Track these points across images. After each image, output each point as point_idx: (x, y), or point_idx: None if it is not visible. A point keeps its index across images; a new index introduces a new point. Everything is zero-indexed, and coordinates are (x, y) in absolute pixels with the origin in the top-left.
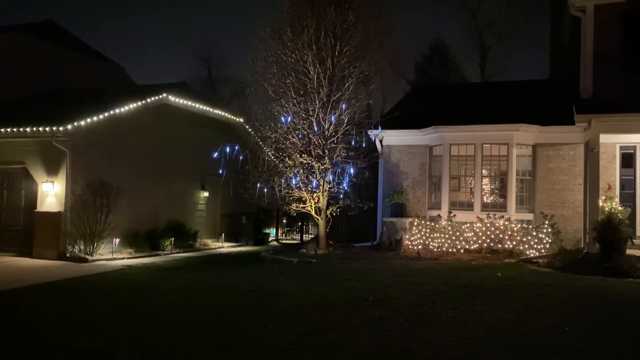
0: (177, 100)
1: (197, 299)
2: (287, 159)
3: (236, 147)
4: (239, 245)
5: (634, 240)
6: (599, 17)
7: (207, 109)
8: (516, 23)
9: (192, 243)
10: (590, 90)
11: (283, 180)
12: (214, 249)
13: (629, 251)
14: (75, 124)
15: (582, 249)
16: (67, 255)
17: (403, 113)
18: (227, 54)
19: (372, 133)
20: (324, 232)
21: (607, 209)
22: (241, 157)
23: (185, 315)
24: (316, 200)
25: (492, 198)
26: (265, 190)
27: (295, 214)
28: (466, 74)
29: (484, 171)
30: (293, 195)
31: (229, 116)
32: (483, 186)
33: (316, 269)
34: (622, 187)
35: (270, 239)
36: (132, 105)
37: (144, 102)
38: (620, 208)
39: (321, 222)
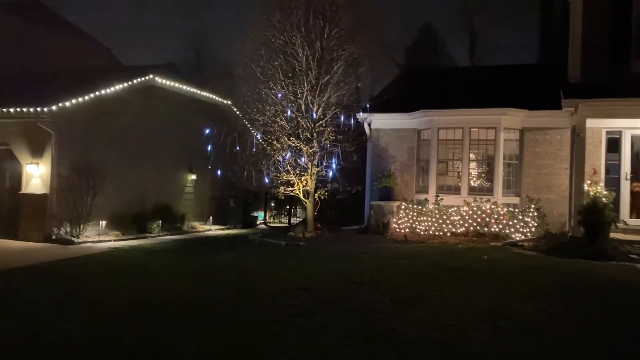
0: (164, 81)
1: (184, 282)
2: (275, 141)
3: (224, 130)
4: (227, 228)
5: (617, 224)
6: (587, 1)
7: (195, 90)
8: (506, 7)
9: (179, 226)
10: (578, 75)
11: (271, 163)
12: (202, 231)
13: (612, 235)
14: (61, 104)
15: (567, 232)
16: (53, 237)
17: (392, 97)
18: (216, 36)
19: (360, 116)
20: (312, 215)
21: (592, 193)
22: (229, 140)
23: (173, 297)
24: (304, 184)
25: (479, 182)
26: (254, 173)
27: (283, 197)
28: (456, 58)
29: (471, 155)
30: (281, 179)
31: (217, 98)
32: (470, 170)
33: (304, 251)
34: (608, 171)
35: (258, 222)
36: (119, 87)
37: (130, 83)
38: (605, 192)
39: (309, 205)
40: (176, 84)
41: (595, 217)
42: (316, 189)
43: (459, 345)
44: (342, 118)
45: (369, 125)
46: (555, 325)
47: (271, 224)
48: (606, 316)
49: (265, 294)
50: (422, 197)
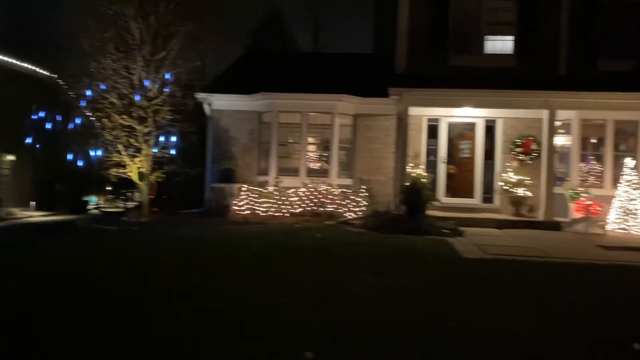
0: None
1: None
2: (105, 119)
3: (50, 107)
4: (52, 214)
5: (434, 203)
6: None
7: (12, 61)
8: None
9: None
10: (404, 65)
11: (100, 143)
12: (22, 218)
13: (430, 212)
14: None
15: (392, 210)
16: None
17: (233, 78)
18: (44, 2)
19: (200, 96)
20: (148, 198)
21: (413, 175)
22: (55, 118)
23: None
24: (138, 165)
25: (317, 165)
26: (81, 153)
27: (116, 180)
28: (300, 44)
29: (310, 139)
30: (112, 160)
31: (41, 71)
32: (309, 153)
33: (137, 237)
34: (428, 155)
35: (90, 206)
36: None
37: None
38: (424, 174)
39: (144, 188)
40: None
41: (414, 196)
42: (152, 171)
43: (286, 320)
44: (181, 97)
45: (210, 105)
46: (373, 295)
47: (105, 209)
48: (418, 285)
49: (89, 285)
50: (263, 179)
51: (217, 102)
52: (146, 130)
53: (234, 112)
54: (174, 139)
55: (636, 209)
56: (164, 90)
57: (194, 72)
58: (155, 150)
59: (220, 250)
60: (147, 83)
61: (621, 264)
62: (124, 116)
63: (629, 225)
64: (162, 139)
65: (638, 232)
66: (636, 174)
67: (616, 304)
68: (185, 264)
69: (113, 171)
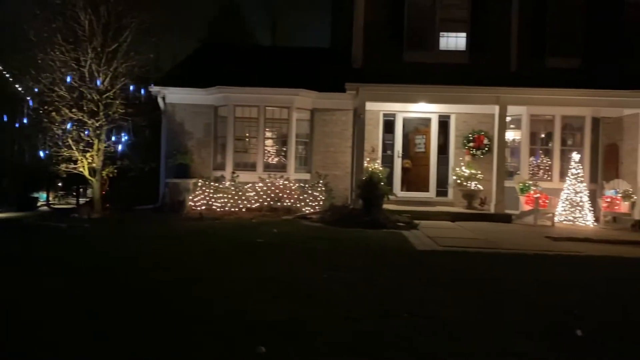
0: None
1: None
2: (54, 113)
3: None
4: None
5: (390, 197)
6: None
7: None
8: None
9: None
10: (360, 60)
11: (49, 138)
12: None
13: (386, 206)
14: None
15: (349, 205)
16: None
17: (189, 70)
18: None
19: (154, 89)
20: (99, 194)
21: (370, 169)
22: (2, 111)
23: None
24: (90, 160)
25: (275, 159)
26: (31, 149)
27: (65, 176)
28: (258, 37)
29: (267, 133)
30: (62, 155)
31: None
32: (266, 147)
33: (87, 234)
34: (384, 150)
35: (39, 203)
36: None
37: None
38: (380, 168)
39: (96, 184)
40: None
41: (371, 190)
42: (104, 166)
43: (240, 314)
44: (134, 90)
45: (164, 99)
46: (326, 289)
47: (56, 206)
48: (372, 277)
49: (34, 282)
50: (219, 174)
51: (172, 96)
52: (97, 124)
53: (189, 106)
54: (126, 133)
55: (582, 202)
56: (117, 82)
57: (148, 64)
58: (106, 145)
59: (172, 247)
60: (99, 83)
61: (567, 254)
62: (74, 110)
63: (575, 217)
64: (114, 134)
65: (583, 223)
66: (582, 168)
67: (562, 292)
68: (132, 261)
69: (63, 166)
